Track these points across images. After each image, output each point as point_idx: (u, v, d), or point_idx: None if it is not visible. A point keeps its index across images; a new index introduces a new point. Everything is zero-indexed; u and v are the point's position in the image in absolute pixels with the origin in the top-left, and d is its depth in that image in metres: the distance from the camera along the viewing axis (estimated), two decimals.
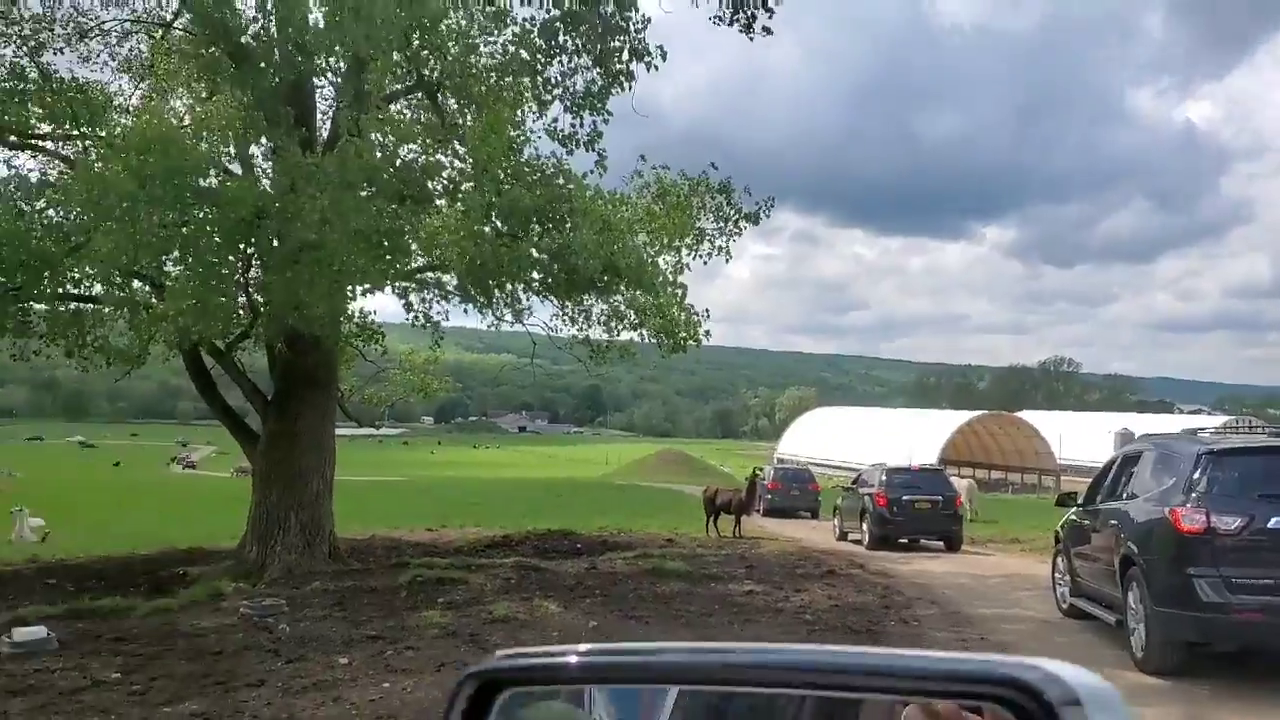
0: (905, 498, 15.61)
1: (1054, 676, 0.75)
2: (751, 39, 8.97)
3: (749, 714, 1.00)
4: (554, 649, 1.01)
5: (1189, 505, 6.16)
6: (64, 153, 10.96)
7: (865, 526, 15.95)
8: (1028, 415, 55.77)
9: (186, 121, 10.26)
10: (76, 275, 10.19)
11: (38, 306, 10.31)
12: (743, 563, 11.69)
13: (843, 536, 17.26)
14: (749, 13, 8.75)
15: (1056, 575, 9.01)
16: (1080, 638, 7.79)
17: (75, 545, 15.05)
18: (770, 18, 8.93)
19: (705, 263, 11.86)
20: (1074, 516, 8.68)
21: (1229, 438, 7.18)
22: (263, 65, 9.73)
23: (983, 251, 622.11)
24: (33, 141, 11.01)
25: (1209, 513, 6.05)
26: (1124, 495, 7.48)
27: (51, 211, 9.72)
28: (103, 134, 9.81)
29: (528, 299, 10.83)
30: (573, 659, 0.99)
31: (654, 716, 1.01)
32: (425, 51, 9.58)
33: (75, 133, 10.55)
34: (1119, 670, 6.51)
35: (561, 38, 9.94)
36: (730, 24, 8.95)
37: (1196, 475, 6.30)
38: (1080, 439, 45.57)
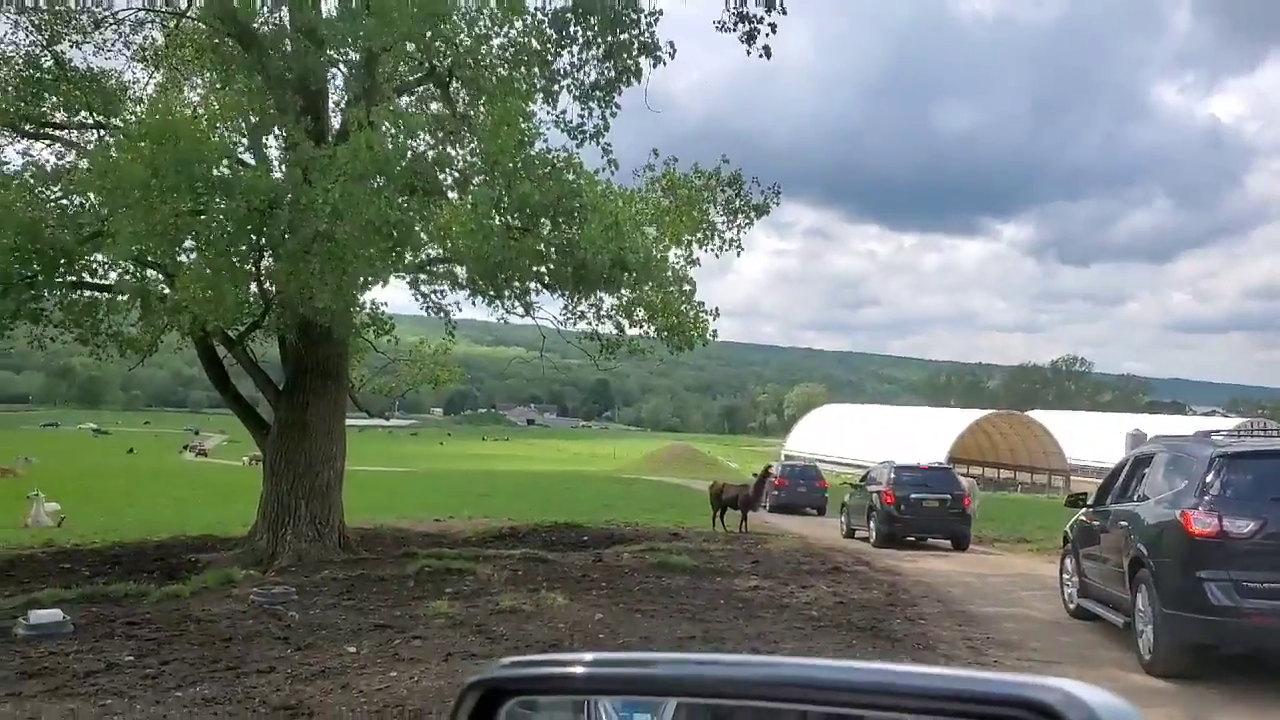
0: (913, 496, 15.55)
1: (1073, 698, 0.72)
2: (749, 53, 8.98)
3: None
4: (558, 658, 1.00)
5: (1201, 508, 6.12)
6: (79, 141, 11.04)
7: (872, 524, 15.91)
8: (1038, 415, 55.49)
9: (201, 111, 10.31)
10: (91, 264, 10.29)
11: (53, 294, 10.40)
12: (749, 558, 11.69)
13: (850, 534, 17.24)
14: (750, 25, 8.75)
15: (1065, 576, 8.96)
16: (1085, 638, 7.76)
17: (90, 530, 15.24)
18: (770, 35, 8.93)
19: (717, 256, 11.84)
20: (1083, 517, 8.64)
21: (1243, 440, 7.12)
22: (272, 52, 9.76)
23: (999, 249, 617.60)
24: (48, 130, 11.09)
25: (1221, 516, 6.01)
26: (1135, 497, 7.44)
27: (66, 201, 9.80)
28: (118, 123, 9.88)
29: (537, 293, 10.85)
30: (578, 669, 0.96)
31: None
32: (438, 42, 9.58)
33: (90, 122, 10.62)
34: (1125, 672, 6.49)
35: (572, 28, 9.93)
36: (734, 29, 8.95)
37: (1209, 478, 6.25)
38: (1091, 439, 45.28)
